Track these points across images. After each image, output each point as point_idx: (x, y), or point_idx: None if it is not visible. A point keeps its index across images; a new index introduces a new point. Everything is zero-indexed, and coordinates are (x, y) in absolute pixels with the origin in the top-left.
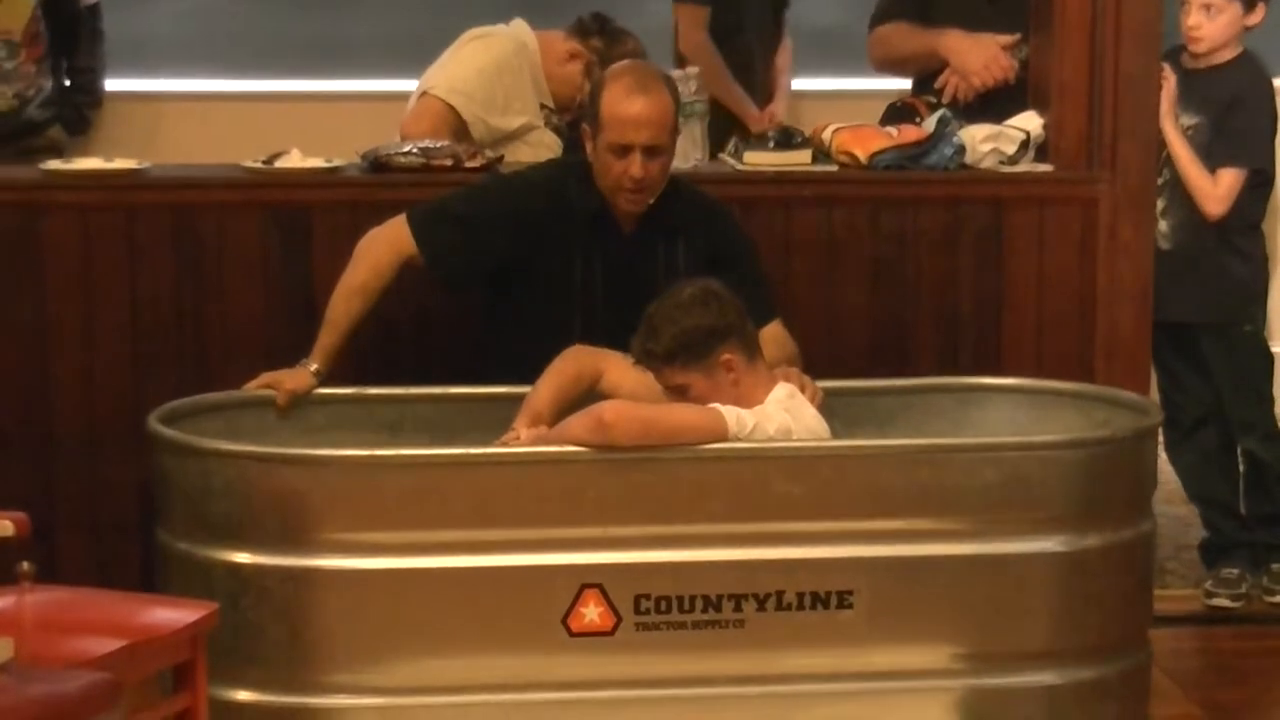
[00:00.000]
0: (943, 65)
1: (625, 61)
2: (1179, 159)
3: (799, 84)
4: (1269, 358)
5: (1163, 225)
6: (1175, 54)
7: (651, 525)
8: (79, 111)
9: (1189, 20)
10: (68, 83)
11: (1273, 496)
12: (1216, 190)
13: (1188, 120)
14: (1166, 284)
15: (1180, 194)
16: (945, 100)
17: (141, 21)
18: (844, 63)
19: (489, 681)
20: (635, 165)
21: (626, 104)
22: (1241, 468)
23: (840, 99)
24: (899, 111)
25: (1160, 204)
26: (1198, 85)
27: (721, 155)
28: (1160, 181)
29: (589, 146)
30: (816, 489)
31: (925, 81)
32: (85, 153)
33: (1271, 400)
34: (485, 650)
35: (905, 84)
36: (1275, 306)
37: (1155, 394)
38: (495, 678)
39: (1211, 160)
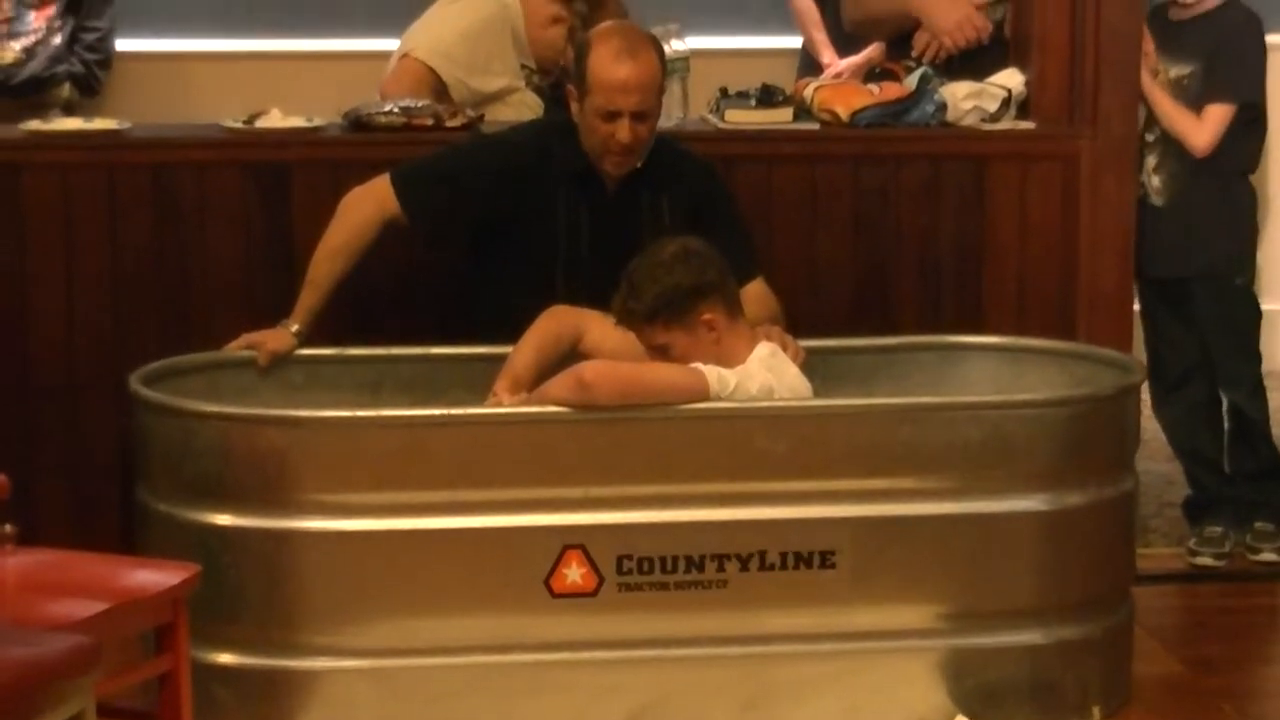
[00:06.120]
0: (917, 25)
1: (611, 23)
2: (1158, 104)
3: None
4: (1258, 311)
5: (1155, 181)
6: (1157, 10)
7: (634, 485)
8: (90, 71)
9: None
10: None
11: (1257, 452)
12: (1202, 125)
13: (1180, 70)
14: (1161, 240)
15: (1172, 148)
16: (915, 55)
17: None
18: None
19: (471, 642)
20: (624, 130)
21: (614, 69)
22: (1226, 424)
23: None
24: (878, 77)
25: (1153, 160)
26: (1187, 33)
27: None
28: (1151, 138)
29: (574, 107)
30: (799, 448)
31: (898, 44)
32: (98, 113)
33: (1259, 355)
34: (467, 611)
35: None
36: (1265, 263)
37: (1142, 347)
38: (477, 639)
39: (1203, 99)
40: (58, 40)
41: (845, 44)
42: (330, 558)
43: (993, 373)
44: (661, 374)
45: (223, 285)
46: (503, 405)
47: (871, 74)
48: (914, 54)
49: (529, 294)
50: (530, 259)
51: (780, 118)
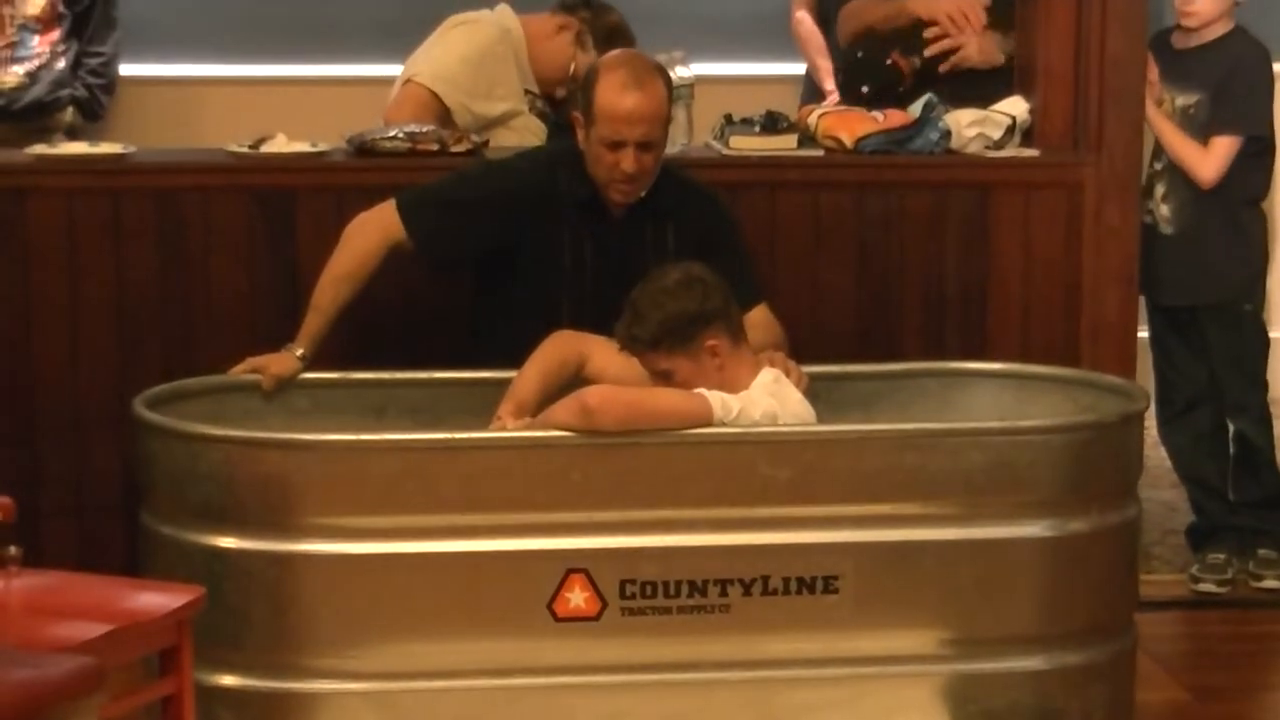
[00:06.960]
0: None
1: (618, 52)
2: (1163, 133)
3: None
4: (1266, 340)
5: (1164, 209)
6: (1160, 38)
7: (637, 510)
8: (93, 95)
9: None
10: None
11: (1261, 480)
12: (1208, 156)
13: (1187, 99)
14: (1171, 269)
15: (1180, 176)
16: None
17: (124, 6)
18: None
19: (474, 667)
20: (628, 160)
21: (620, 99)
22: (1231, 450)
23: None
24: (883, 73)
25: (1161, 188)
26: (1193, 62)
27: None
28: (1159, 166)
29: (580, 135)
30: (802, 474)
31: (908, 45)
32: (102, 138)
33: (1265, 383)
34: (470, 635)
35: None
36: (1273, 290)
37: (1150, 372)
38: (480, 663)
39: (1210, 130)
40: (61, 64)
41: None
42: (334, 581)
43: (996, 399)
44: (665, 399)
45: (227, 309)
46: (507, 430)
47: (870, 65)
48: (927, 38)
49: (533, 320)
50: (535, 285)
51: (784, 144)
